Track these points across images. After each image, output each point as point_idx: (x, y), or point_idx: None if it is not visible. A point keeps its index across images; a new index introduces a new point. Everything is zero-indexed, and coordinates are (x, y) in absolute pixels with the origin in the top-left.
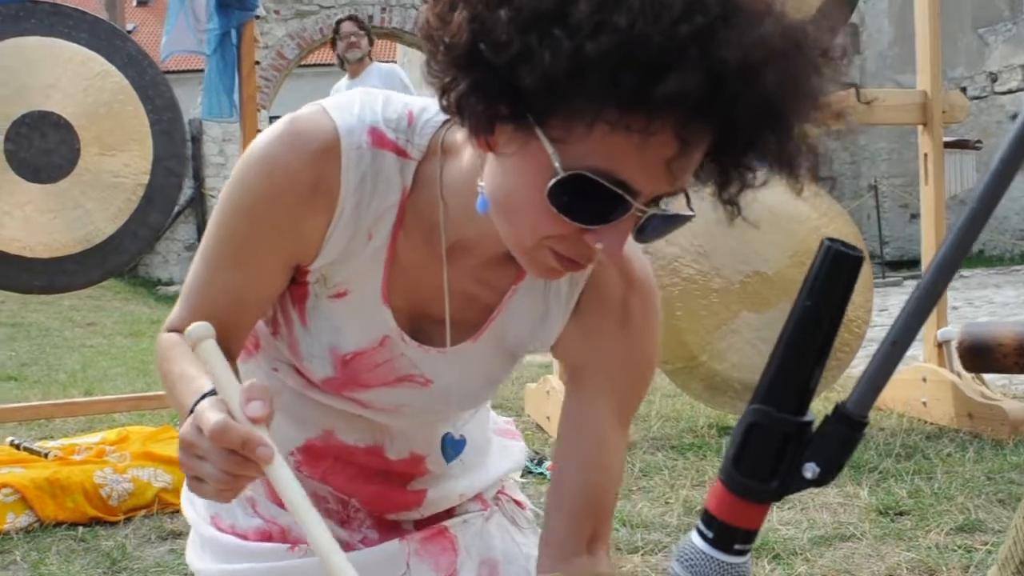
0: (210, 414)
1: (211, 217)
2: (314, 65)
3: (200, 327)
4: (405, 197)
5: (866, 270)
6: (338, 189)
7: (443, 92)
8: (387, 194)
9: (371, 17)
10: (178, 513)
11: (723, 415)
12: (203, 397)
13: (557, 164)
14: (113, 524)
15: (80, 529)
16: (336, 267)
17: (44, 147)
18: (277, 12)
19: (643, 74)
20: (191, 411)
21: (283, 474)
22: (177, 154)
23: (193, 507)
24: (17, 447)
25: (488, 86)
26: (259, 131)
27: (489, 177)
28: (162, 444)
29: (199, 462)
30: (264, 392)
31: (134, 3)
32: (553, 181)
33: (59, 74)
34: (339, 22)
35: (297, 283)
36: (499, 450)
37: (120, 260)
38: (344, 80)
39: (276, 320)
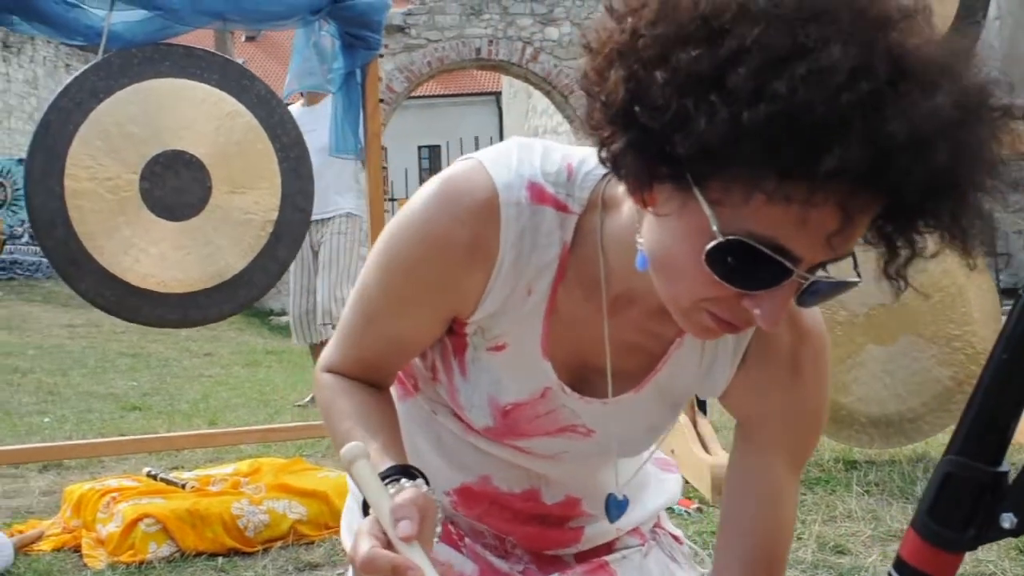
0: (362, 544)
1: (367, 267)
2: (420, 97)
3: (354, 448)
4: (565, 251)
5: (993, 300)
6: (496, 247)
7: (601, 145)
8: (547, 249)
9: (478, 50)
10: (313, 544)
11: (848, 449)
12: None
13: (715, 228)
14: (250, 555)
15: (220, 560)
16: (494, 320)
17: (177, 186)
18: (386, 46)
19: (804, 146)
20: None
21: None
22: (304, 190)
23: None
24: (154, 478)
25: (645, 147)
26: (384, 167)
27: (647, 235)
28: (295, 476)
29: None
30: (411, 509)
31: (243, 39)
32: (711, 245)
33: (192, 114)
34: None
35: (456, 334)
36: (655, 484)
37: (250, 294)
38: (297, 106)
39: (435, 367)
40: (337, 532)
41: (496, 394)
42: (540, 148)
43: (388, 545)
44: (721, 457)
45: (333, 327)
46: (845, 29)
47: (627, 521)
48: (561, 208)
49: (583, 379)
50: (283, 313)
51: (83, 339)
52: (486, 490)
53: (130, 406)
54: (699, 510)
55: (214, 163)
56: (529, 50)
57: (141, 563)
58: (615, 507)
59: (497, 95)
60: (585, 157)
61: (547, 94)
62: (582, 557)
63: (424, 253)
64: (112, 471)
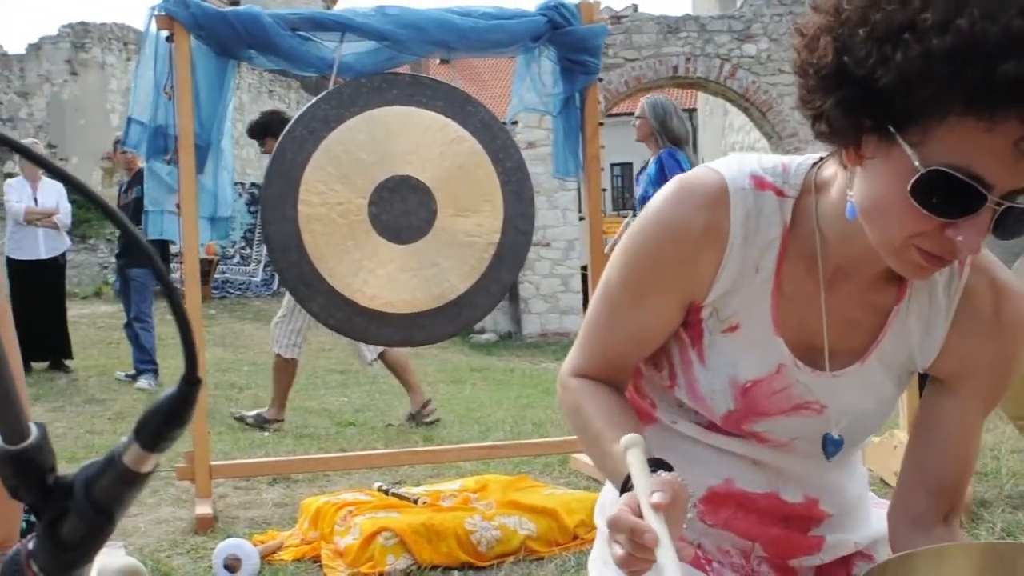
0: (615, 508)
1: (609, 269)
2: (612, 115)
3: (633, 438)
4: (786, 231)
5: None
6: (727, 228)
7: (815, 119)
8: (769, 229)
9: (675, 68)
10: (543, 560)
11: None
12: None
13: (917, 163)
14: (482, 569)
15: (455, 573)
16: (727, 299)
17: (404, 209)
18: None
19: (984, 66)
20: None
21: (666, 555)
22: (525, 213)
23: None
24: (386, 492)
25: (852, 99)
26: (603, 189)
27: (857, 187)
28: (522, 493)
29: (614, 544)
30: (667, 485)
31: (437, 61)
32: (914, 178)
33: (418, 140)
34: None
35: (692, 326)
36: (878, 515)
37: (473, 316)
38: None
39: (673, 373)
40: (567, 549)
41: (735, 374)
42: (756, 155)
43: (639, 515)
44: None
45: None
46: None
47: (863, 538)
48: (779, 193)
49: (811, 354)
50: (483, 331)
51: None
52: (731, 492)
53: (345, 422)
54: None
55: (439, 187)
56: (727, 67)
57: (380, 575)
58: (831, 444)
59: (689, 112)
60: (795, 158)
61: (745, 110)
62: (821, 573)
63: (665, 240)
64: (337, 485)
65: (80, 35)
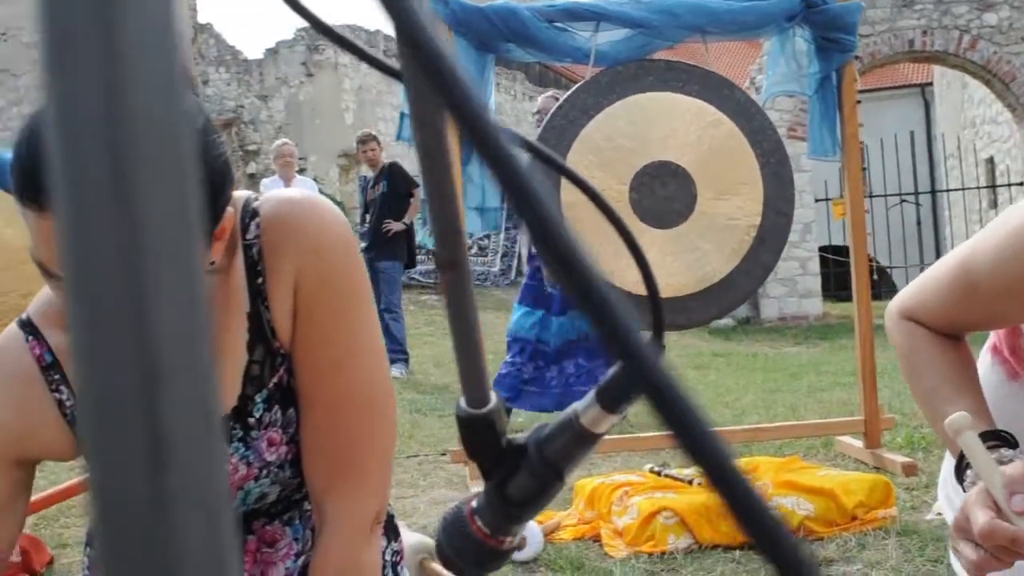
0: (979, 513)
1: (983, 242)
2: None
3: (960, 419)
4: None
5: None
6: None
7: None
8: None
9: (911, 42)
10: (823, 540)
11: None
12: (961, 466)
13: None
14: None
15: (736, 552)
16: None
17: (664, 195)
18: None
19: None
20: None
21: None
22: (785, 195)
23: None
24: (658, 474)
25: None
26: (863, 169)
27: None
28: (796, 474)
29: (965, 544)
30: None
31: None
32: None
33: (675, 125)
34: None
35: None
36: None
37: (735, 298)
38: None
39: None
40: (846, 530)
41: None
42: None
43: (999, 516)
44: None
45: None
46: None
47: None
48: None
49: None
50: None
51: None
52: None
53: None
54: None
55: (698, 171)
56: (966, 38)
57: (662, 554)
58: None
59: (921, 87)
60: None
61: (986, 83)
62: None
63: None
64: (600, 467)
65: (314, 38)
